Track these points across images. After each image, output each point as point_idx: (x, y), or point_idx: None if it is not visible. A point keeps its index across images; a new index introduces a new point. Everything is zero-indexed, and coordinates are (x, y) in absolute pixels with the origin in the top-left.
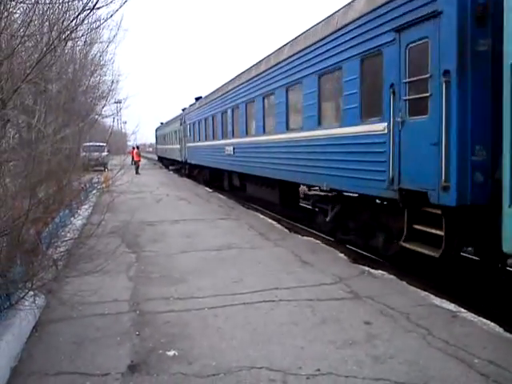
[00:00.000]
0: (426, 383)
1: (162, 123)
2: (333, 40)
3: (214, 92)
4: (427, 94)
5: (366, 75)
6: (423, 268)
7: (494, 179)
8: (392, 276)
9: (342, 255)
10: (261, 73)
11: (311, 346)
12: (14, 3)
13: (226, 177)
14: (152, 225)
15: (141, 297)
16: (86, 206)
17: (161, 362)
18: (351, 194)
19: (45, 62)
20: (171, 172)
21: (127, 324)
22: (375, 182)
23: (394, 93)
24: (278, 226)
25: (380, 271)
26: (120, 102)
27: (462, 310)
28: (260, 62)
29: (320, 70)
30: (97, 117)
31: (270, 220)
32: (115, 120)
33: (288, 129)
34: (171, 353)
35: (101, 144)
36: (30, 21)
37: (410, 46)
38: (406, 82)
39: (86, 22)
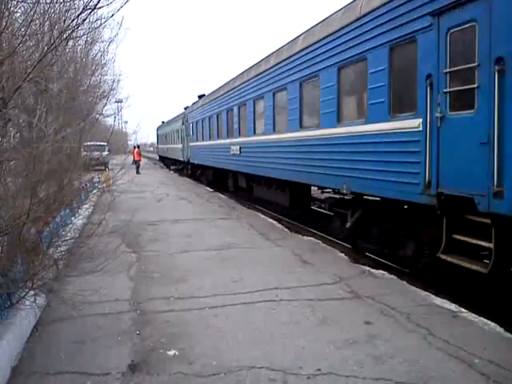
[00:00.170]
0: (426, 383)
1: (163, 122)
2: (356, 28)
3: (218, 89)
4: (474, 86)
5: (396, 66)
6: (459, 284)
7: None
8: (392, 276)
9: (342, 255)
10: (271, 67)
11: (312, 345)
12: (15, 2)
13: (230, 177)
14: (152, 224)
15: (141, 296)
16: (87, 206)
17: (161, 361)
18: (373, 198)
19: (46, 61)
20: (172, 172)
21: (128, 323)
22: (407, 186)
23: (431, 85)
24: (279, 225)
25: (381, 271)
26: (121, 102)
27: (463, 310)
28: (270, 55)
29: (340, 61)
30: (98, 116)
31: (270, 220)
32: (116, 119)
33: (302, 127)
34: (171, 352)
35: (102, 143)
36: (31, 20)
37: (452, 31)
38: (446, 73)
39: (87, 21)
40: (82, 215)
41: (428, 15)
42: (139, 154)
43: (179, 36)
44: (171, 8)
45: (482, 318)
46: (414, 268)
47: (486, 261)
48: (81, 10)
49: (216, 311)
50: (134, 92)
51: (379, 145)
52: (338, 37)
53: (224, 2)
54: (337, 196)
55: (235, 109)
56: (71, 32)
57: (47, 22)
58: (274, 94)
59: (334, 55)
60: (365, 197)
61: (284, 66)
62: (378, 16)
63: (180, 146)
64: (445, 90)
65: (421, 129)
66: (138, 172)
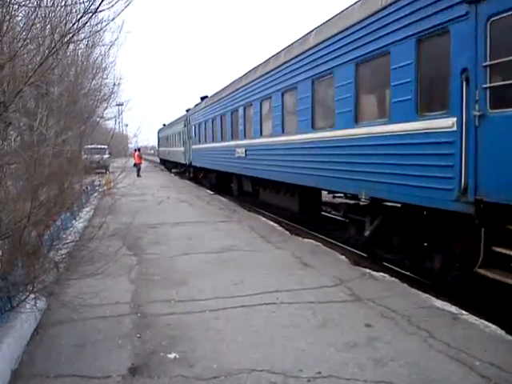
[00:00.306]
0: None
1: (164, 125)
2: (377, 21)
3: (222, 90)
4: None
5: (425, 59)
6: (494, 301)
7: None
8: (393, 278)
9: (342, 257)
10: (280, 65)
11: (312, 348)
12: (16, 6)
13: (234, 181)
14: (153, 227)
15: (142, 299)
16: (88, 209)
17: (162, 364)
18: (393, 204)
19: (47, 64)
20: (172, 175)
21: (128, 326)
22: (438, 192)
23: (467, 80)
24: (279, 228)
25: (381, 273)
26: (122, 105)
27: (464, 312)
28: (279, 53)
29: (358, 56)
30: (98, 119)
31: (271, 222)
32: (117, 122)
33: (314, 128)
34: (172, 355)
35: (102, 146)
36: (32, 24)
37: (493, 19)
38: (486, 66)
39: (87, 24)
40: (83, 218)
41: (463, 3)
42: (140, 157)
43: (180, 39)
44: (172, 10)
45: (482, 321)
46: (440, 282)
47: None
48: (82, 13)
49: (217, 314)
50: (135, 95)
51: (404, 147)
52: (357, 30)
53: (225, 3)
54: (351, 201)
55: (240, 110)
56: (72, 35)
57: (48, 26)
58: (282, 94)
59: (351, 50)
60: (384, 203)
61: (294, 63)
62: (403, 6)
63: (182, 148)
64: (484, 86)
65: (455, 128)
66: (138, 175)
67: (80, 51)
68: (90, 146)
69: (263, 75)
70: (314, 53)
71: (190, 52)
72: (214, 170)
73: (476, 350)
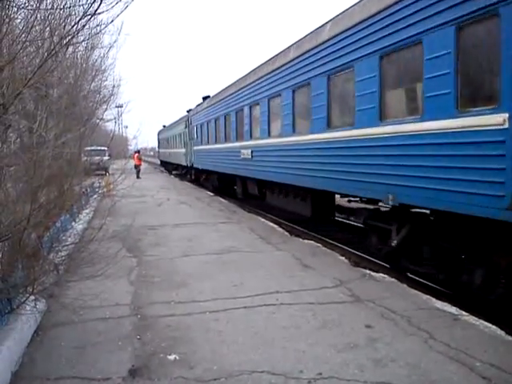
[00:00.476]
0: None
1: (164, 126)
2: (406, 7)
3: (226, 88)
4: None
5: (467, 48)
6: None
7: None
8: (393, 279)
9: (342, 258)
10: (290, 61)
11: (312, 349)
12: (15, 9)
13: (239, 183)
14: (153, 229)
15: (142, 301)
16: (87, 211)
17: (162, 366)
18: (423, 211)
19: (46, 67)
20: (172, 176)
21: (128, 328)
22: (485, 199)
23: None
24: (279, 229)
25: (381, 274)
26: (121, 107)
27: (464, 313)
28: (288, 48)
29: (384, 48)
30: (98, 121)
31: (271, 223)
32: (116, 124)
33: (330, 127)
34: (172, 357)
35: (102, 148)
36: (32, 26)
37: None
38: None
39: (87, 27)
40: (83, 220)
41: None
42: (139, 159)
43: (180, 40)
44: (172, 11)
45: (482, 321)
46: (482, 299)
47: None
48: (81, 16)
49: (217, 315)
50: (135, 97)
51: (441, 147)
52: (382, 18)
53: (225, 4)
54: (370, 206)
55: (246, 109)
56: (71, 38)
57: (47, 28)
58: (293, 91)
59: (375, 41)
60: (414, 209)
61: (307, 58)
62: None
63: (183, 150)
64: None
65: (506, 126)
66: (138, 177)
67: (79, 53)
68: (89, 148)
69: (271, 72)
70: (330, 45)
71: (190, 53)
72: (217, 172)
73: (476, 350)
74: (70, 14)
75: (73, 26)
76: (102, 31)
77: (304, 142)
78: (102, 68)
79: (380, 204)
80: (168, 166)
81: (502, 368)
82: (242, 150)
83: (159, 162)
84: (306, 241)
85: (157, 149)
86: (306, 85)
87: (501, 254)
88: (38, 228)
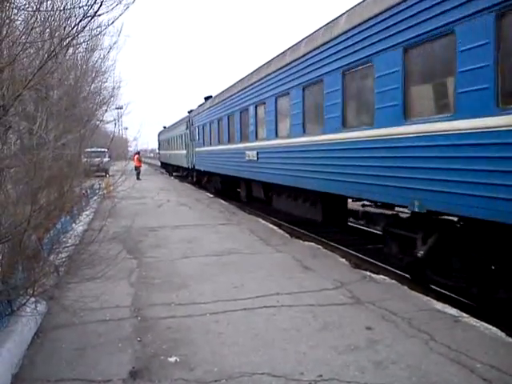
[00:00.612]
0: None
1: (164, 127)
2: None
3: (229, 88)
4: None
5: (509, 37)
6: None
7: None
8: (393, 281)
9: (343, 260)
10: (299, 57)
11: (313, 351)
12: (15, 11)
13: (242, 186)
14: (153, 230)
15: (142, 303)
16: (88, 212)
17: (162, 368)
18: (449, 218)
19: (46, 68)
20: (172, 178)
21: (129, 330)
22: None
23: None
24: (279, 231)
25: (381, 276)
26: (121, 108)
27: (464, 314)
28: (298, 43)
29: (408, 40)
30: (98, 123)
31: (271, 225)
32: (116, 126)
33: (345, 126)
34: (173, 359)
35: (102, 150)
36: (32, 28)
37: None
38: None
39: (87, 28)
40: (83, 222)
41: None
42: (139, 161)
43: (180, 41)
44: (172, 12)
45: (483, 323)
46: (482, 301)
47: None
48: (81, 17)
49: (217, 317)
50: (135, 98)
51: (479, 148)
52: (407, 7)
53: (227, 4)
54: (387, 212)
55: (251, 109)
56: (71, 39)
57: (47, 30)
58: (303, 89)
59: (397, 33)
60: (443, 217)
61: (319, 53)
62: None
63: (184, 151)
64: None
65: None
66: (138, 178)
67: (79, 55)
68: (89, 150)
69: (279, 69)
70: (344, 40)
71: (191, 54)
72: (220, 174)
73: (476, 352)
74: (70, 16)
75: (73, 28)
76: (102, 33)
77: (316, 143)
78: (102, 69)
79: (396, 209)
80: (168, 168)
81: (502, 370)
82: (247, 152)
83: (159, 164)
84: (306, 243)
85: (157, 150)
86: (319, 82)
87: None
88: (38, 230)
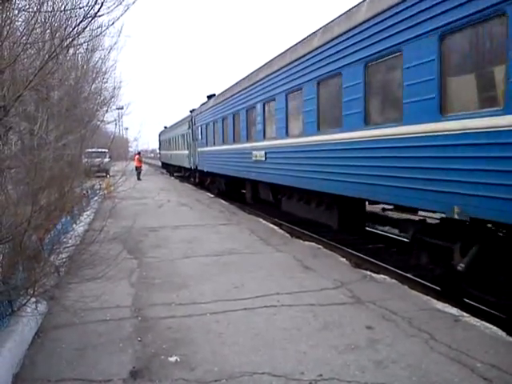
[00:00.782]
0: None
1: (165, 127)
2: None
3: (234, 85)
4: None
5: None
6: None
7: None
8: (394, 280)
9: (343, 260)
10: (313, 50)
11: (313, 350)
12: (16, 12)
13: (248, 187)
14: (154, 230)
15: (143, 303)
16: (88, 213)
17: (163, 367)
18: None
19: (47, 69)
20: (173, 178)
21: (129, 330)
22: None
23: None
24: (280, 230)
25: (382, 275)
26: (122, 108)
27: (465, 314)
28: (313, 34)
29: (446, 25)
30: (98, 123)
31: (271, 225)
32: (117, 126)
33: (368, 123)
34: (173, 358)
35: (103, 150)
36: (33, 29)
37: None
38: None
39: (87, 29)
40: (83, 222)
41: None
42: (140, 161)
43: (181, 41)
44: (173, 11)
45: (483, 322)
46: (482, 300)
47: None
48: (81, 18)
49: (217, 317)
50: (135, 98)
51: None
52: None
53: (228, 3)
54: (415, 218)
55: (259, 106)
56: (72, 40)
57: (48, 31)
58: (318, 84)
59: (433, 17)
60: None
61: (337, 44)
62: None
63: (186, 151)
64: None
65: None
66: (139, 178)
67: (80, 55)
68: (90, 150)
69: (290, 63)
70: (368, 27)
71: (191, 54)
72: (224, 174)
73: (477, 351)
74: (70, 17)
75: (73, 29)
76: (103, 33)
77: (333, 142)
78: (103, 70)
79: (420, 213)
80: (169, 169)
81: (502, 369)
82: (254, 152)
83: (160, 164)
84: (306, 242)
85: (157, 150)
86: (336, 75)
87: None
88: (38, 230)
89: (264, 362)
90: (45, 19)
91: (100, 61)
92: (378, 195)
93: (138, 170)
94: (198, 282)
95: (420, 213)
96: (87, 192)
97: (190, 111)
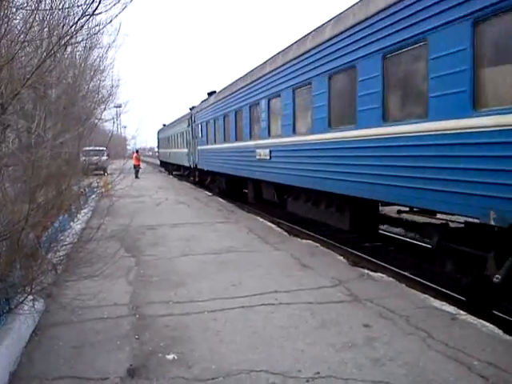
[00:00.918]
0: None
1: (164, 125)
2: None
3: (236, 82)
4: None
5: None
6: None
7: None
8: (391, 279)
9: (341, 258)
10: (324, 42)
11: (311, 348)
12: (14, 9)
13: (251, 187)
14: (151, 228)
15: (140, 300)
16: (86, 210)
17: (160, 365)
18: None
19: (44, 67)
20: (171, 176)
21: (127, 328)
22: None
23: None
24: (278, 229)
25: (379, 274)
26: (120, 107)
27: (462, 312)
28: (324, 25)
29: (479, 10)
30: (96, 121)
31: (269, 223)
32: (115, 124)
33: (387, 120)
34: (170, 356)
35: (100, 148)
36: (30, 27)
37: None
38: None
39: (85, 27)
40: (81, 220)
41: None
42: (138, 159)
43: (180, 38)
44: (171, 8)
45: (480, 320)
46: (480, 298)
47: None
48: (79, 16)
49: (215, 315)
50: (133, 96)
51: None
52: None
53: (224, 4)
54: (436, 222)
55: (263, 103)
56: (70, 38)
57: (46, 29)
58: (329, 78)
59: (464, 2)
60: None
61: (350, 36)
62: None
63: (185, 150)
64: None
65: None
66: (137, 177)
67: (78, 53)
68: (88, 148)
69: (298, 57)
70: (388, 15)
71: (190, 51)
72: (226, 174)
73: (474, 349)
74: (68, 15)
75: (71, 27)
76: (101, 31)
77: (345, 140)
78: (101, 68)
79: (438, 216)
80: (168, 167)
81: (499, 367)
82: (258, 150)
83: (158, 163)
84: (304, 240)
85: (156, 149)
86: (349, 69)
87: None
88: (36, 228)
89: (261, 360)
90: (43, 17)
91: (98, 59)
92: (397, 197)
93: (136, 168)
94: (195, 280)
95: (438, 215)
96: (85, 190)
97: (190, 109)
